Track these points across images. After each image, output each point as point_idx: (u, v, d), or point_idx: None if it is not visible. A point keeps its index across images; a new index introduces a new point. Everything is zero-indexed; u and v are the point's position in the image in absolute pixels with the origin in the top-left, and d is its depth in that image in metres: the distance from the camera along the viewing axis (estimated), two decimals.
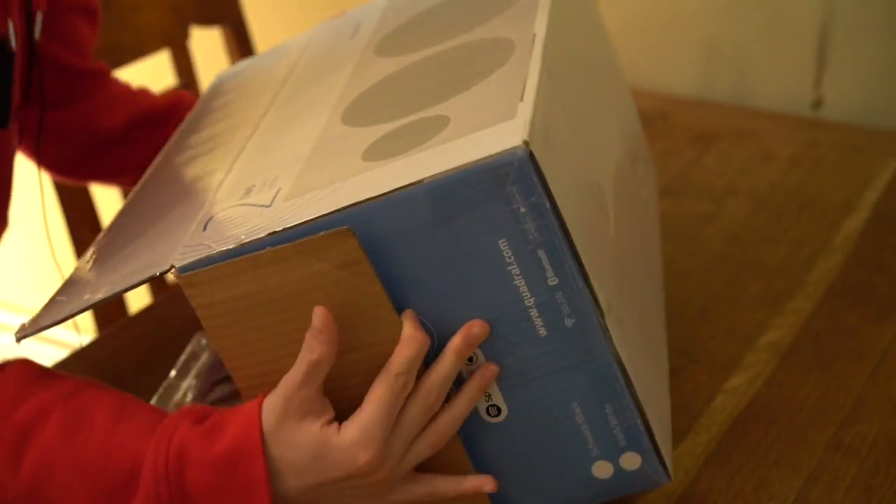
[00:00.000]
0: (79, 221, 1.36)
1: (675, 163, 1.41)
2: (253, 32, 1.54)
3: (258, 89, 0.97)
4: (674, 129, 1.50)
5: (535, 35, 0.77)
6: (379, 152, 0.71)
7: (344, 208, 0.67)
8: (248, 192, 0.74)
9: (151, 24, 1.44)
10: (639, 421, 0.70)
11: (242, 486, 0.70)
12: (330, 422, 0.71)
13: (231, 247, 0.68)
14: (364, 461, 0.69)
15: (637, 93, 1.63)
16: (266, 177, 0.75)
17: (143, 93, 1.19)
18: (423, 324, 0.70)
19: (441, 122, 0.71)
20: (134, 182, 1.15)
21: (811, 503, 0.86)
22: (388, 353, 0.69)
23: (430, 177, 0.65)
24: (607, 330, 0.68)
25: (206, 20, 1.50)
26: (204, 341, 1.01)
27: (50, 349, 1.78)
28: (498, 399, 0.71)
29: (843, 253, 1.20)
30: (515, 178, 0.64)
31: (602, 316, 0.68)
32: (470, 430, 0.73)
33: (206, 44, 1.57)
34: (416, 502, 0.74)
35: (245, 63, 1.11)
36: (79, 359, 1.05)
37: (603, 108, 0.89)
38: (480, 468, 0.74)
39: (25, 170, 1.03)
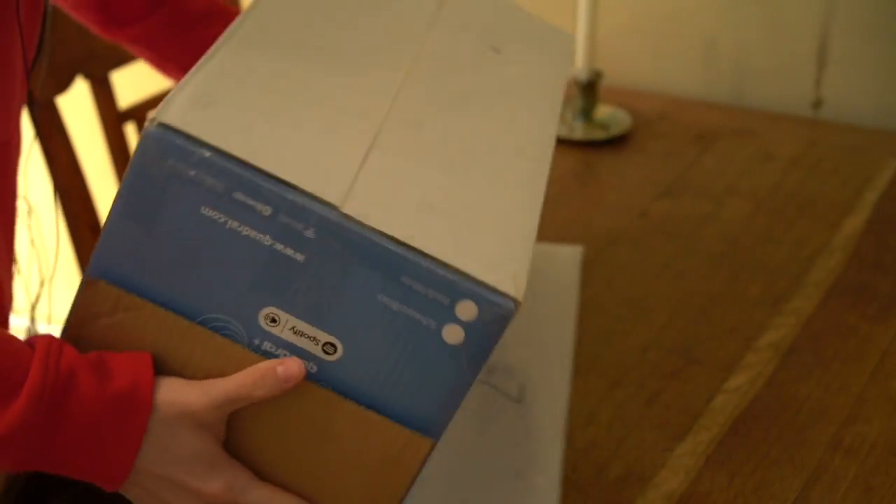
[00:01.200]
0: (79, 221, 1.36)
1: (675, 163, 1.41)
2: None
3: None
4: (674, 129, 1.50)
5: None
6: None
7: (90, 268, 0.71)
8: None
9: None
10: (442, 272, 0.69)
11: (116, 432, 0.70)
12: (222, 444, 0.73)
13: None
14: (213, 492, 0.72)
15: (637, 93, 1.64)
16: None
17: None
18: (224, 322, 0.71)
19: None
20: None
21: (811, 503, 0.87)
22: (211, 368, 0.72)
23: (115, 200, 0.69)
24: (349, 217, 0.68)
25: None
26: None
27: None
28: (323, 336, 0.71)
29: (844, 253, 1.20)
30: (166, 152, 0.67)
31: (337, 207, 0.68)
32: (328, 377, 0.72)
33: None
34: None
35: None
36: None
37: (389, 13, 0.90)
38: (359, 401, 0.73)
39: (23, 172, 1.03)
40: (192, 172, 0.67)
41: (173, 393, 0.71)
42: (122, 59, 1.42)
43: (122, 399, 0.69)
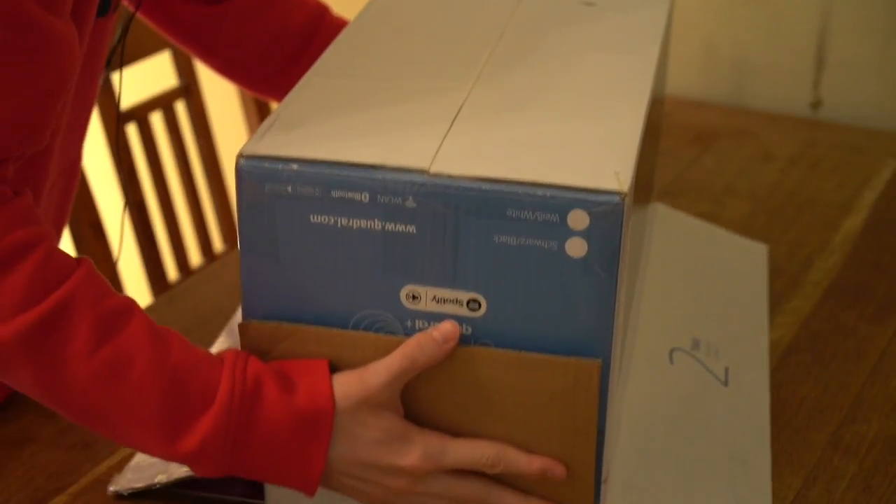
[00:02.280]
0: (79, 221, 1.36)
1: (675, 163, 1.41)
2: None
3: None
4: (674, 129, 1.50)
5: None
6: None
7: (242, 314, 0.77)
8: None
9: None
10: (541, 192, 0.70)
11: (303, 442, 0.74)
12: (404, 418, 0.76)
13: None
14: (414, 463, 0.75)
15: None
16: None
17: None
18: (372, 317, 0.74)
19: None
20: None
21: (810, 502, 0.87)
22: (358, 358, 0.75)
23: (239, 243, 0.75)
24: (438, 174, 0.71)
25: None
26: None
27: None
28: (463, 295, 0.73)
29: (842, 253, 1.20)
30: (261, 179, 0.72)
31: (425, 170, 0.71)
32: (483, 334, 0.74)
33: None
34: None
35: None
36: None
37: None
38: (519, 347, 0.74)
39: None
40: (290, 188, 0.72)
41: (346, 386, 0.74)
42: (124, 60, 1.42)
43: (305, 405, 0.74)
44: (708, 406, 0.94)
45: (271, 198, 0.72)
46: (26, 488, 0.88)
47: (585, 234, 0.70)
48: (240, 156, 0.72)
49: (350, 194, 0.71)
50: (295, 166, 0.71)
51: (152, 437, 0.74)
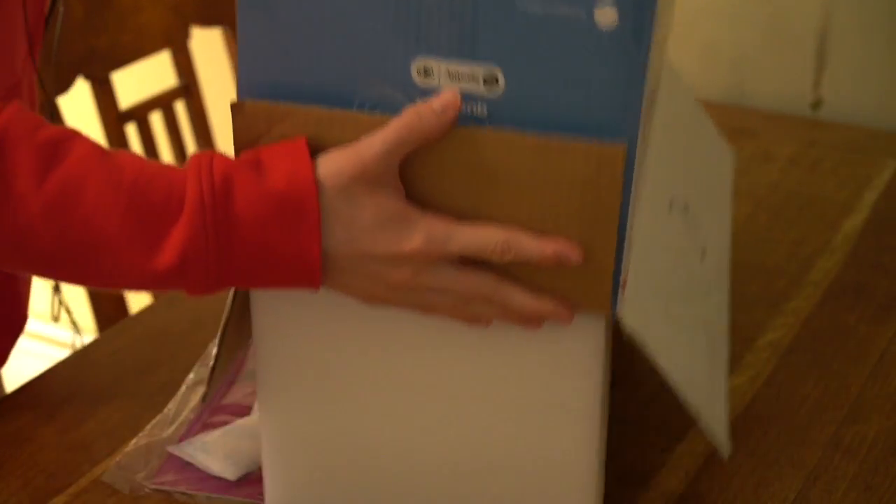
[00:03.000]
0: None
1: None
2: None
3: None
4: None
5: None
6: None
7: (237, 94, 0.71)
8: None
9: (152, 25, 1.44)
10: None
11: (291, 228, 0.69)
12: (405, 199, 0.70)
13: None
14: (416, 247, 0.69)
15: None
16: None
17: None
18: (379, 96, 0.69)
19: None
20: None
21: (811, 502, 0.87)
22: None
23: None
24: None
25: (207, 20, 1.50)
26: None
27: (50, 349, 1.78)
28: (479, 69, 0.68)
29: (843, 253, 1.20)
30: None
31: None
32: (500, 115, 0.69)
33: (207, 44, 1.57)
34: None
35: None
36: (79, 359, 1.05)
37: None
38: (539, 129, 0.69)
39: None
40: None
41: (335, 163, 0.69)
42: (124, 60, 1.42)
43: (284, 188, 0.68)
44: (692, 272, 0.90)
45: None
46: (26, 488, 0.88)
47: (616, 1, 0.65)
48: None
49: None
50: None
51: (126, 261, 0.69)
